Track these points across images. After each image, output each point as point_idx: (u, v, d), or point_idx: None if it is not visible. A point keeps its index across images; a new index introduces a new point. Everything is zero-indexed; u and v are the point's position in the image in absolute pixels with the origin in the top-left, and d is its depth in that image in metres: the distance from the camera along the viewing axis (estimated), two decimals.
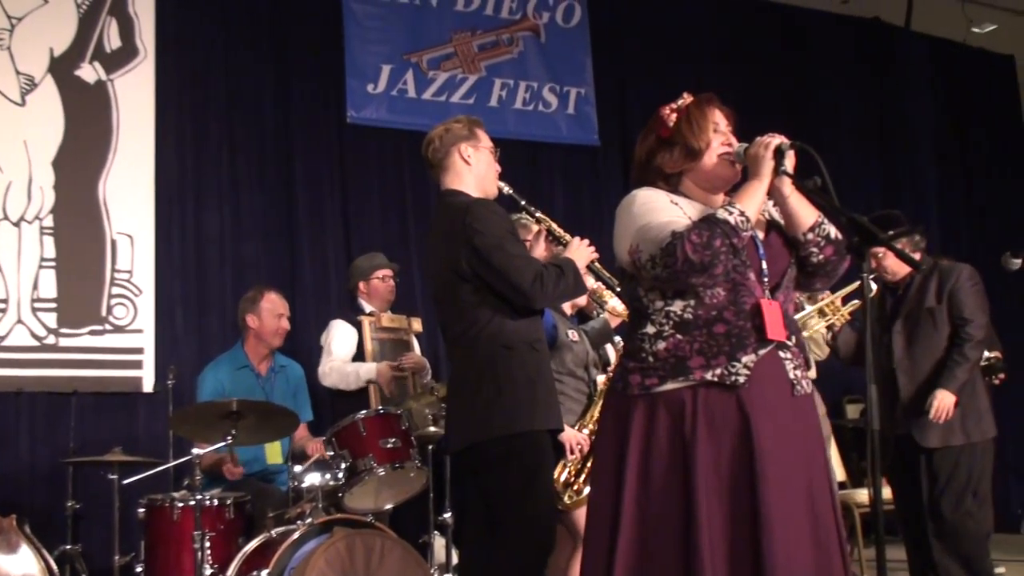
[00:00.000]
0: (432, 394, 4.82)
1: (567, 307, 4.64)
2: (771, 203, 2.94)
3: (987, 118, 9.35)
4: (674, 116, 2.89)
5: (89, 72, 5.83)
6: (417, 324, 5.62)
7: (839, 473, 5.99)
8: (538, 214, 3.91)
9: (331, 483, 4.41)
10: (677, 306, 2.75)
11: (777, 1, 8.34)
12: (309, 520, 4.22)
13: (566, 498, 4.27)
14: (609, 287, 4.03)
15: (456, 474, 4.79)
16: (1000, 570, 5.99)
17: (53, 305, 5.63)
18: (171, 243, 5.93)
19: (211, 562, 4.22)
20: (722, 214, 2.69)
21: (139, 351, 5.76)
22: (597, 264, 3.82)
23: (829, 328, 5.53)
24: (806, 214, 2.87)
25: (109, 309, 5.72)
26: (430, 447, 4.77)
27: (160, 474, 4.68)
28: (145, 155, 5.89)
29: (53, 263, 5.65)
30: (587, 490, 3.78)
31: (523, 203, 3.87)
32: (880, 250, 4.40)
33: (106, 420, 5.62)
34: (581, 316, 5.04)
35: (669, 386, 2.71)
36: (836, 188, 2.70)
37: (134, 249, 5.81)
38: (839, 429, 6.98)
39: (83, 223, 5.73)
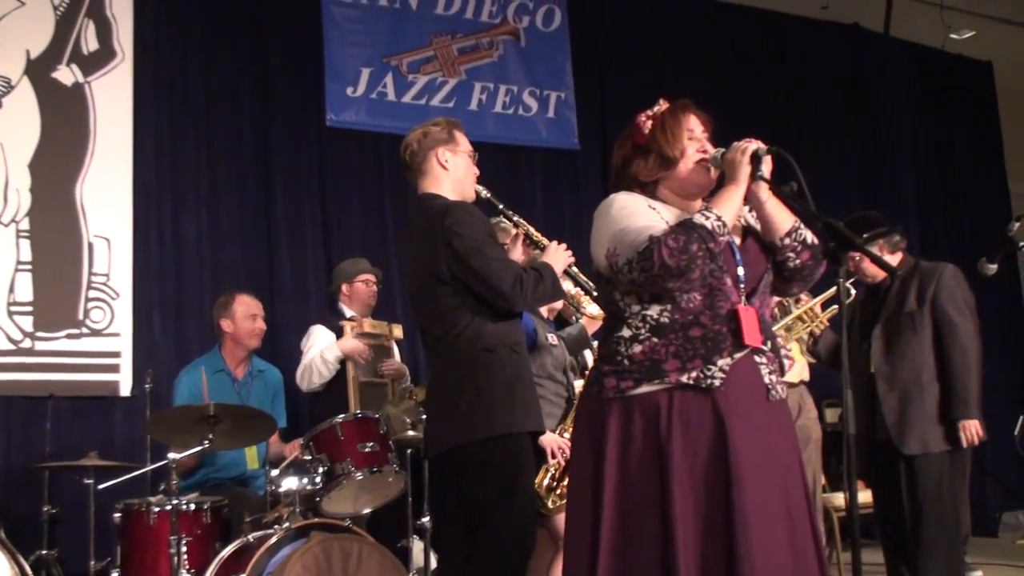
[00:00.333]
0: (410, 398, 4.81)
1: (544, 311, 4.64)
2: (748, 208, 2.95)
3: (965, 123, 9.42)
4: (649, 123, 2.90)
5: (66, 74, 5.80)
6: (398, 331, 5.62)
7: (821, 477, 6.00)
8: (516, 218, 3.91)
9: (308, 487, 4.39)
10: (654, 310, 2.75)
11: (758, 7, 8.37)
12: (286, 525, 4.20)
13: (549, 502, 4.27)
14: (586, 291, 4.03)
15: (435, 478, 4.77)
16: (977, 573, 6.02)
17: (29, 308, 5.59)
18: (149, 246, 5.90)
19: (188, 567, 4.19)
20: (699, 219, 2.69)
21: (116, 355, 5.72)
22: (575, 269, 3.83)
23: (810, 335, 5.55)
24: (783, 219, 2.88)
25: (86, 312, 5.69)
26: (408, 451, 4.76)
27: (138, 479, 4.64)
28: (122, 157, 5.86)
29: (29, 266, 5.61)
30: None
31: (501, 207, 3.87)
32: (857, 254, 4.37)
33: (83, 424, 5.59)
34: (559, 320, 5.04)
35: (644, 389, 2.72)
36: (816, 192, 2.71)
37: (111, 252, 5.78)
38: None
39: (60, 226, 5.70)
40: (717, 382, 2.68)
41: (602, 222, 2.84)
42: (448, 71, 6.95)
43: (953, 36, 8.96)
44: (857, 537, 2.64)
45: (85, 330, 5.68)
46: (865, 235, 4.40)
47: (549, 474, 4.26)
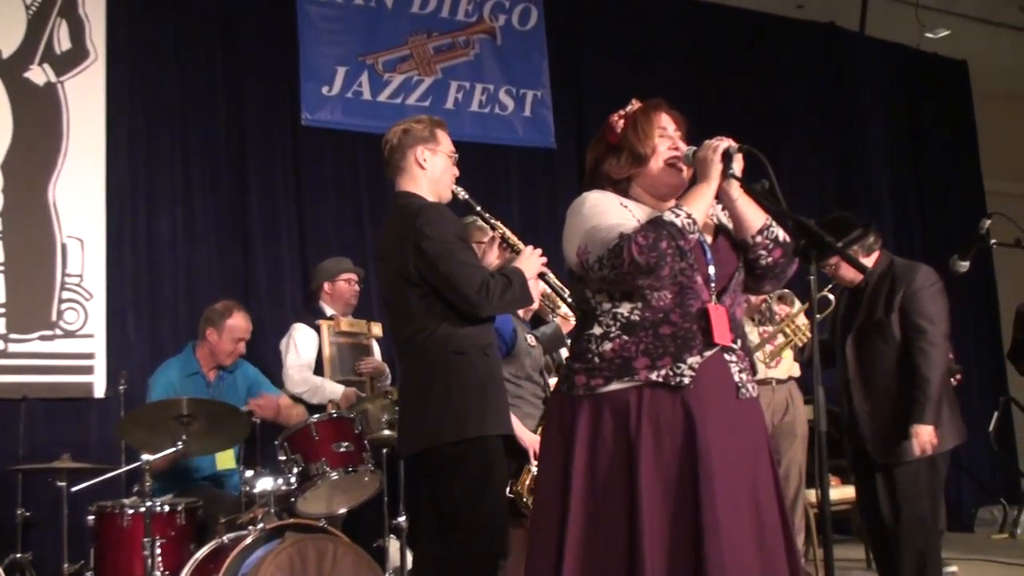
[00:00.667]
0: (386, 397, 4.81)
1: (521, 311, 4.63)
2: (720, 207, 2.95)
3: (940, 122, 9.46)
4: (622, 122, 2.91)
5: (39, 74, 5.76)
6: (377, 329, 5.61)
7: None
8: (493, 221, 3.89)
9: (283, 488, 4.38)
10: (624, 308, 2.76)
11: (734, 5, 8.39)
12: (260, 525, 4.19)
13: (531, 503, 4.25)
14: (559, 297, 4.00)
15: (410, 477, 4.77)
16: (952, 568, 6.06)
17: (2, 310, 5.55)
18: (123, 247, 5.87)
19: (162, 569, 4.19)
20: (669, 216, 2.70)
21: (90, 356, 5.69)
22: (550, 276, 3.82)
23: (794, 347, 5.58)
24: (754, 217, 2.88)
25: (59, 314, 5.65)
26: (384, 450, 4.75)
27: (112, 480, 4.63)
28: (96, 158, 5.82)
29: (2, 267, 5.57)
30: None
31: (478, 208, 3.85)
32: (833, 260, 4.35)
33: (57, 426, 5.55)
34: (536, 319, 5.03)
35: (614, 387, 2.72)
36: (791, 191, 2.73)
37: (84, 253, 5.74)
38: None
39: (32, 227, 5.66)
40: (687, 380, 2.69)
41: (574, 220, 2.84)
42: (424, 70, 6.93)
43: (928, 35, 9.00)
44: (829, 533, 2.65)
45: (59, 331, 5.65)
46: (840, 243, 4.37)
47: (532, 475, 4.26)
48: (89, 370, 5.67)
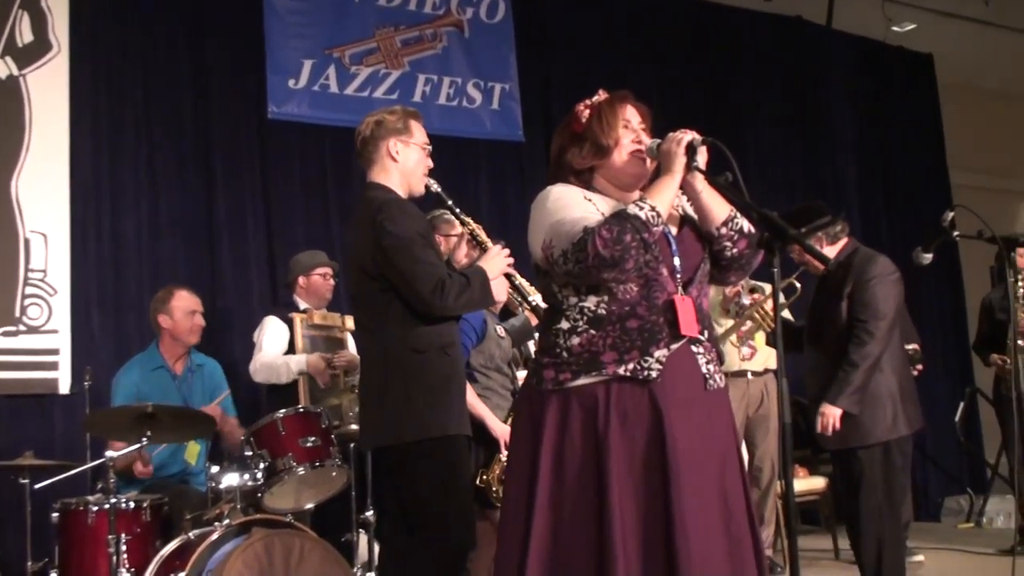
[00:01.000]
0: (353, 391, 4.79)
1: None
2: (685, 198, 2.96)
3: (907, 115, 9.52)
4: (587, 112, 2.91)
5: (0, 67, 5.69)
6: (351, 322, 5.56)
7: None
8: (463, 217, 3.87)
9: (250, 483, 4.36)
10: (591, 302, 2.76)
11: None
12: (227, 521, 4.18)
13: (500, 493, 4.25)
14: (523, 297, 3.97)
15: (378, 472, 4.75)
16: (919, 558, 6.11)
17: None
18: (87, 242, 5.79)
19: (127, 566, 4.14)
20: (633, 209, 2.70)
21: (54, 352, 5.62)
22: (516, 277, 3.80)
23: (768, 333, 5.60)
24: (719, 209, 2.89)
25: (23, 309, 5.58)
26: (352, 445, 4.73)
27: (77, 477, 4.59)
28: (59, 152, 5.73)
29: None
30: None
31: (450, 203, 3.82)
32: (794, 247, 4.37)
33: (20, 423, 5.48)
34: (505, 312, 5.03)
35: (582, 381, 2.72)
36: (759, 183, 2.75)
37: (48, 248, 5.66)
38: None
39: None
40: (654, 374, 2.69)
41: (538, 214, 2.84)
42: (391, 63, 6.90)
43: (895, 28, 9.07)
44: (794, 524, 2.66)
45: (22, 327, 5.57)
46: (803, 229, 4.39)
47: (502, 464, 4.25)
48: (53, 366, 5.61)
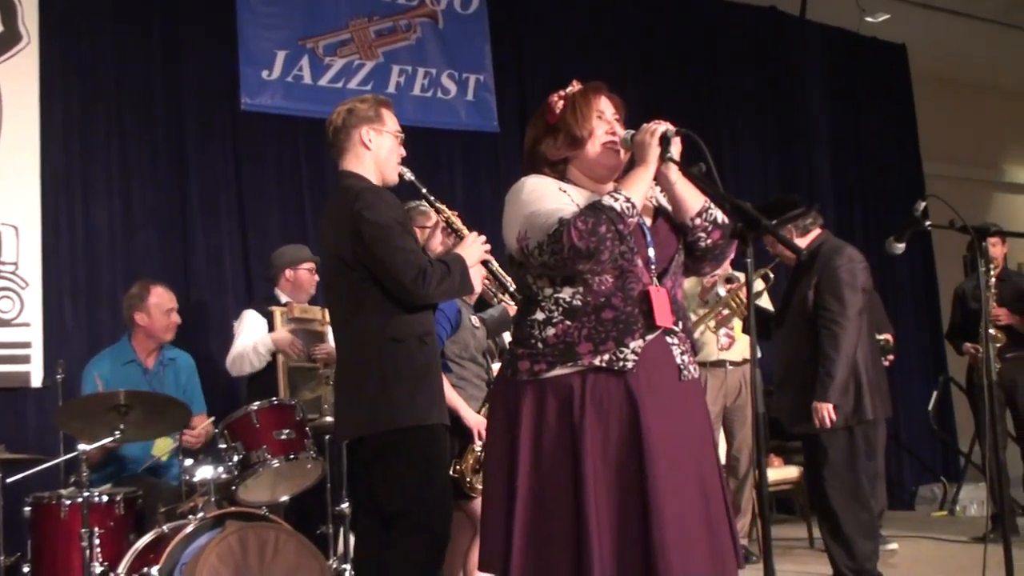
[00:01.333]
0: (327, 383, 4.77)
1: None
2: (659, 189, 2.96)
3: (880, 105, 9.57)
4: (561, 103, 2.91)
5: None
6: None
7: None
8: (438, 204, 3.85)
9: (224, 476, 4.35)
10: (566, 293, 2.76)
11: None
12: (201, 514, 4.16)
13: (477, 483, 4.24)
14: (501, 285, 3.96)
15: (352, 464, 4.74)
16: (893, 546, 6.15)
17: None
18: (59, 234, 5.75)
19: (100, 560, 4.12)
20: (607, 200, 2.70)
21: (27, 345, 5.58)
22: (493, 264, 3.79)
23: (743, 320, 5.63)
24: (693, 199, 2.90)
25: None
26: (327, 437, 4.72)
27: (49, 471, 4.55)
28: (29, 143, 5.67)
29: None
30: None
31: (424, 191, 3.80)
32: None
33: None
34: (481, 303, 5.02)
35: (558, 372, 2.73)
36: (733, 174, 2.75)
37: (19, 240, 5.61)
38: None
39: None
40: (630, 364, 2.70)
41: (513, 206, 2.84)
42: (365, 54, 6.87)
43: (868, 19, 9.10)
44: (767, 513, 2.67)
45: None
46: (775, 220, 4.44)
47: (476, 455, 4.25)
48: (25, 359, 5.56)
